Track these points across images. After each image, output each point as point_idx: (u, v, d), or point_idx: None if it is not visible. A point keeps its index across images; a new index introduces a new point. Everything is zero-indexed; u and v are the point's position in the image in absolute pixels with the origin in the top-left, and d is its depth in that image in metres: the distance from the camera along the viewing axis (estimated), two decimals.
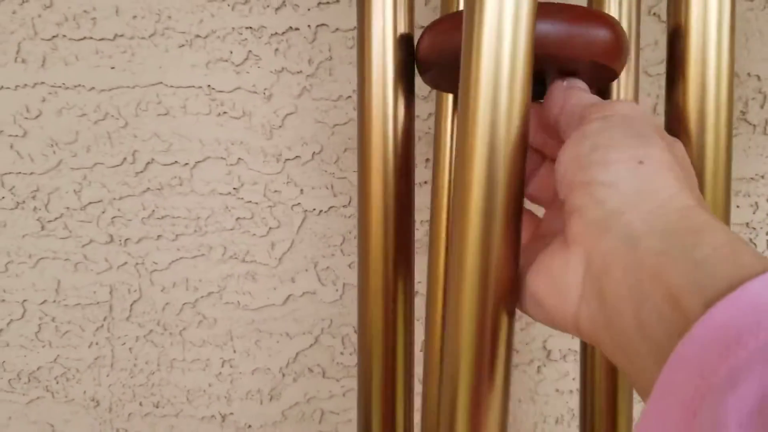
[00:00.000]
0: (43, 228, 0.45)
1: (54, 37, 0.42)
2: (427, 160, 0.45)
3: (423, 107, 0.44)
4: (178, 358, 0.48)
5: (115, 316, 0.47)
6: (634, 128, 0.22)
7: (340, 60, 0.43)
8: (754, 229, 0.47)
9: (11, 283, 0.46)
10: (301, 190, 0.45)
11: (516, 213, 0.23)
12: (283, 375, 0.48)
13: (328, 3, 0.42)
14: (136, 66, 0.43)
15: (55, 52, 0.43)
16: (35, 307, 0.47)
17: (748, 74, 0.44)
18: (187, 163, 0.44)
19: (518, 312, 0.25)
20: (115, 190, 0.45)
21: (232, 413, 0.49)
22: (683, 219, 0.20)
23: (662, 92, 0.43)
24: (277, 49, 0.43)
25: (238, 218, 0.45)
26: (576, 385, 0.49)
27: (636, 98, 0.30)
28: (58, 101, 0.43)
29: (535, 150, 0.29)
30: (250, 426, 0.49)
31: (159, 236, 0.45)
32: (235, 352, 0.48)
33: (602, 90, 0.29)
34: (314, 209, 0.45)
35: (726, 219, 0.29)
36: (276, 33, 0.43)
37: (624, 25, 0.28)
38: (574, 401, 0.50)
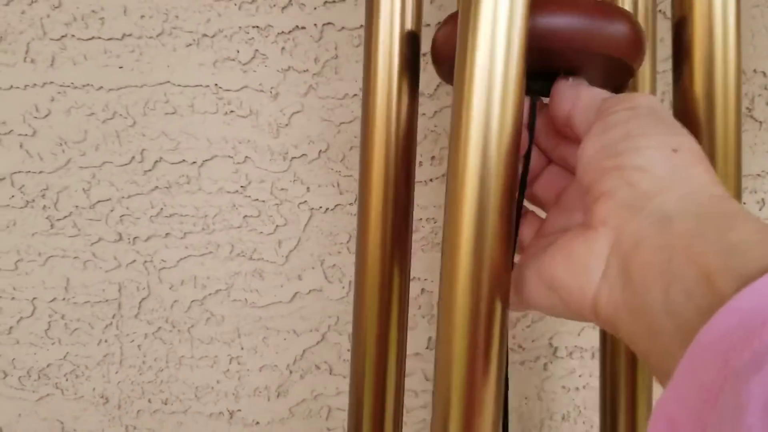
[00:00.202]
0: (52, 226, 0.46)
1: (63, 37, 0.43)
2: (433, 157, 0.45)
3: (428, 105, 0.44)
4: (186, 355, 0.48)
5: (124, 314, 0.47)
6: (663, 119, 0.22)
7: (346, 58, 0.43)
8: None
9: (21, 281, 0.47)
10: (308, 188, 0.45)
11: (509, 205, 0.23)
12: (290, 372, 0.48)
13: (334, 2, 0.43)
14: (144, 65, 0.43)
15: (64, 51, 0.43)
16: (45, 305, 0.47)
17: (754, 71, 0.44)
18: (194, 162, 0.45)
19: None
20: (124, 188, 0.45)
21: (239, 410, 0.49)
22: (716, 205, 0.20)
23: (668, 89, 0.43)
24: (283, 48, 0.43)
25: (245, 216, 0.46)
26: (582, 381, 0.49)
27: (653, 94, 0.30)
28: (67, 100, 0.44)
29: (539, 152, 0.29)
30: (257, 423, 0.50)
31: (167, 234, 0.46)
32: (242, 349, 0.48)
33: (619, 89, 0.29)
34: (320, 207, 0.46)
35: None
36: (282, 32, 0.43)
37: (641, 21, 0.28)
38: (581, 398, 0.50)
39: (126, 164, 0.45)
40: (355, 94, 0.44)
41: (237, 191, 0.45)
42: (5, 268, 0.47)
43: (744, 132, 0.45)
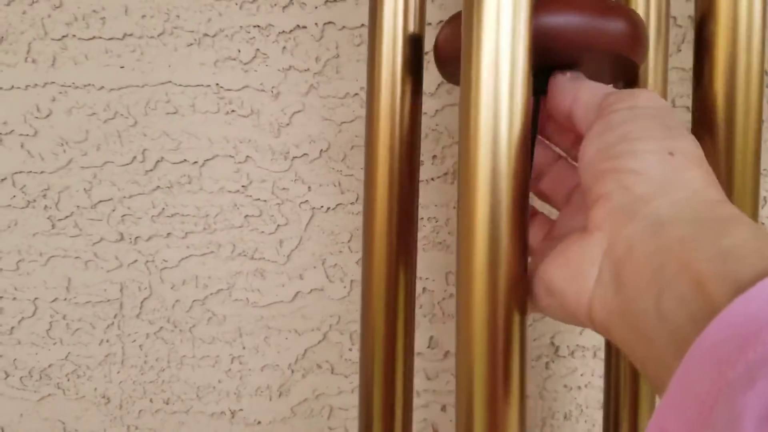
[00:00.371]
0: (53, 226, 0.46)
1: (64, 37, 0.43)
2: (434, 156, 0.45)
3: (430, 104, 0.44)
4: (188, 355, 0.48)
5: (126, 314, 0.47)
6: (663, 120, 0.22)
7: (347, 58, 0.43)
8: (763, 224, 0.47)
9: (22, 281, 0.47)
10: (309, 187, 0.45)
11: (521, 207, 0.23)
12: (292, 371, 0.48)
13: (335, 1, 0.42)
14: (145, 65, 0.43)
15: (65, 51, 0.43)
16: (46, 305, 0.47)
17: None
18: (196, 162, 0.45)
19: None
20: (125, 188, 0.45)
21: (241, 409, 0.49)
22: (711, 210, 0.20)
23: (676, 88, 0.43)
24: (284, 47, 0.43)
25: (246, 216, 0.46)
26: (584, 381, 0.50)
27: (665, 92, 0.29)
28: (68, 100, 0.44)
29: (547, 146, 0.29)
30: (259, 422, 0.50)
31: (169, 234, 0.46)
32: (244, 348, 0.48)
33: (629, 84, 0.29)
34: (322, 206, 0.46)
35: (754, 213, 0.28)
36: (283, 31, 0.43)
37: (653, 22, 0.28)
38: (583, 397, 0.50)
39: (127, 164, 0.45)
40: (356, 94, 0.44)
41: (238, 191, 0.45)
42: (6, 269, 0.47)
43: None
